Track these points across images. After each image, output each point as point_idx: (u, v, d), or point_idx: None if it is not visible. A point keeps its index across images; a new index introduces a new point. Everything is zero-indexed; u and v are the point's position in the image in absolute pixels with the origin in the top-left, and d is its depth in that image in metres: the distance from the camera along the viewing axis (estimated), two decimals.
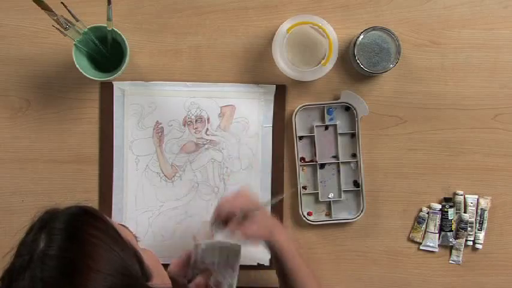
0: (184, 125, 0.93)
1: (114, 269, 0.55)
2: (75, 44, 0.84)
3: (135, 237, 0.67)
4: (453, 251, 0.94)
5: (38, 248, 0.54)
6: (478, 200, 0.93)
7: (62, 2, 0.76)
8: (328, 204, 0.93)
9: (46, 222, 0.57)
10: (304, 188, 0.93)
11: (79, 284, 0.52)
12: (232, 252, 0.86)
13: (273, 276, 0.89)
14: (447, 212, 0.92)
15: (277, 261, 0.82)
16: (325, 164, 0.93)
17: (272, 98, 0.92)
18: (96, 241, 0.56)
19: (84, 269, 0.53)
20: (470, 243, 0.93)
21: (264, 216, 0.83)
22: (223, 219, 0.81)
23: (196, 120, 0.93)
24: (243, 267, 0.88)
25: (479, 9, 0.92)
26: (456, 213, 0.93)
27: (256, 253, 0.92)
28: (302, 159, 0.93)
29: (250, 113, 0.92)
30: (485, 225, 0.93)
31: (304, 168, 0.93)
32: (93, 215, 0.60)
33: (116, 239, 0.59)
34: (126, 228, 0.66)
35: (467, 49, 0.92)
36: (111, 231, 0.59)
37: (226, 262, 0.86)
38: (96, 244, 0.56)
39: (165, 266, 0.78)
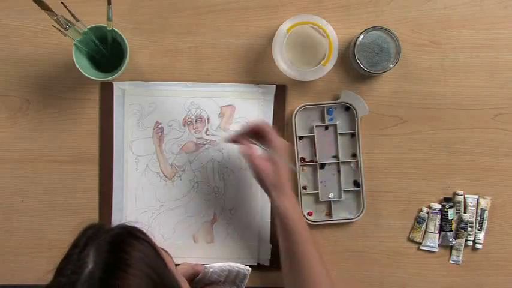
0: (184, 125, 0.93)
1: None
2: (75, 44, 0.84)
3: (174, 262, 0.69)
4: (453, 251, 0.94)
5: (86, 269, 0.56)
6: (478, 200, 0.93)
7: (62, 2, 0.76)
8: (328, 204, 0.93)
9: (92, 240, 0.59)
10: (304, 188, 0.93)
11: None
12: (241, 275, 0.87)
13: (273, 276, 0.89)
14: (447, 212, 0.92)
15: (280, 230, 0.81)
16: (325, 164, 0.93)
17: (272, 98, 0.92)
18: (140, 265, 0.58)
19: None
20: (470, 243, 0.93)
21: (285, 170, 0.81)
22: (249, 133, 0.83)
23: (196, 120, 0.93)
24: None
25: (479, 9, 0.92)
26: (456, 213, 0.93)
27: (258, 253, 0.92)
28: (302, 159, 0.93)
29: (250, 113, 0.92)
30: (485, 225, 0.93)
31: (304, 168, 0.93)
32: (137, 237, 0.62)
33: (158, 262, 0.61)
34: (167, 253, 0.69)
35: (467, 49, 0.92)
36: (153, 255, 0.62)
37: (233, 282, 0.86)
38: (139, 269, 0.58)
39: None
